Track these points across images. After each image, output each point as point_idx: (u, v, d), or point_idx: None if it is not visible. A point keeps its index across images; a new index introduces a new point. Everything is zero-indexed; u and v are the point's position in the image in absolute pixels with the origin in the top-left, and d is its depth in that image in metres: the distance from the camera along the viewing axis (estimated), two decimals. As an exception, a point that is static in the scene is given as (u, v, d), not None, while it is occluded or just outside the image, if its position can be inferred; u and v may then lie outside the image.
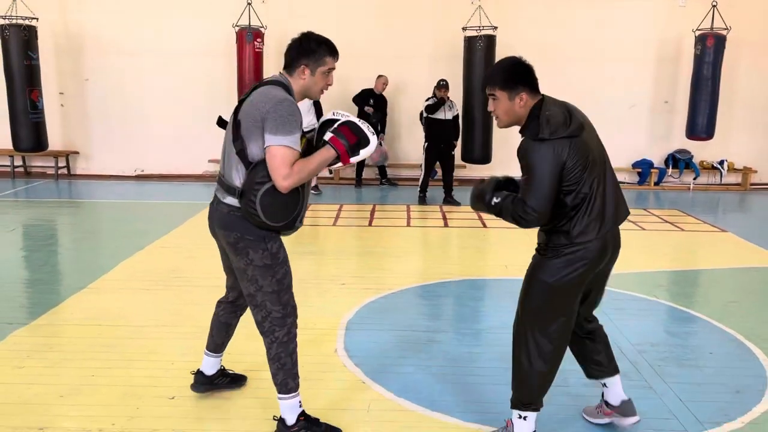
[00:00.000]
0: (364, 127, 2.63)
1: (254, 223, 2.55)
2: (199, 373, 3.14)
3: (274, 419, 2.82)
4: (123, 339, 3.89)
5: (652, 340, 3.98)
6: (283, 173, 2.41)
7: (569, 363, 2.86)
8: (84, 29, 10.15)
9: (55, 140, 10.31)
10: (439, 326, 4.28)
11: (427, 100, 8.43)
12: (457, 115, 8.50)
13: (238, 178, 2.55)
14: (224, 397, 3.16)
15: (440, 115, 8.24)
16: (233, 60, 9.41)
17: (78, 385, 3.27)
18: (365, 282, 5.16)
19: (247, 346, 3.50)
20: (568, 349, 2.74)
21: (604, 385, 2.88)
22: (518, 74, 2.54)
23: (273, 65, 9.93)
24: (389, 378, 3.41)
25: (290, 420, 2.75)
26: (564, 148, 2.42)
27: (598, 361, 2.83)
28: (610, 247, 2.60)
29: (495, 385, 3.32)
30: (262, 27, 9.39)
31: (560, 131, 2.43)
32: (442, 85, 8.26)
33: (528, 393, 2.64)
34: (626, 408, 2.84)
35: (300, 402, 2.77)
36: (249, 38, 9.14)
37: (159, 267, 5.41)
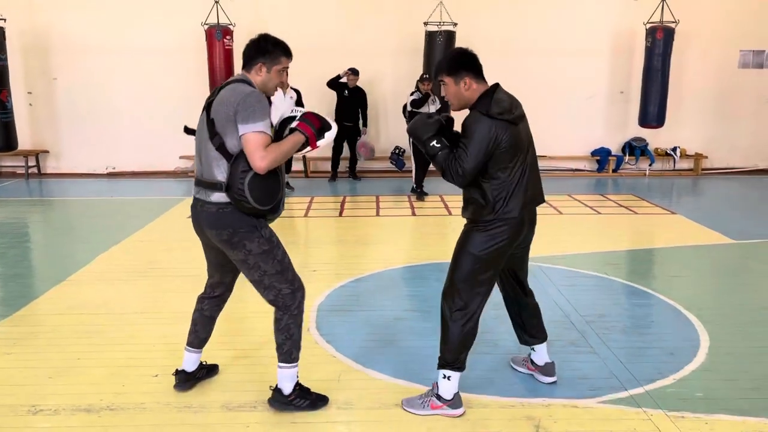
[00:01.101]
0: (324, 115, 2.92)
1: (245, 212, 2.73)
2: (181, 372, 3.23)
3: (270, 389, 3.05)
4: (105, 326, 4.10)
5: (600, 311, 4.33)
6: (259, 155, 2.62)
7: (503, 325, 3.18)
8: (51, 28, 10.18)
9: (24, 140, 10.35)
10: (405, 305, 4.57)
11: (411, 94, 8.47)
12: (441, 109, 8.39)
13: (220, 174, 2.73)
14: (214, 374, 3.38)
15: (424, 109, 8.20)
16: (203, 57, 9.56)
17: (65, 368, 3.48)
18: (336, 268, 5.43)
19: (225, 327, 3.75)
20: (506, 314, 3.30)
21: (533, 349, 3.33)
22: (461, 62, 2.89)
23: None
24: (358, 352, 3.70)
25: (287, 389, 2.99)
26: (502, 130, 2.76)
27: (532, 332, 3.30)
28: (527, 223, 2.98)
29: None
30: (231, 24, 9.55)
31: (505, 115, 2.78)
32: (425, 79, 8.28)
33: (451, 352, 2.95)
34: (548, 369, 3.31)
35: (297, 373, 3.02)
36: (218, 36, 9.30)
37: (136, 259, 5.60)
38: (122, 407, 3.07)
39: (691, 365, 3.53)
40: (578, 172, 10.79)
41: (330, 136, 2.90)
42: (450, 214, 7.52)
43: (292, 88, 8.39)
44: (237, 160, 2.69)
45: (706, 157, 10.80)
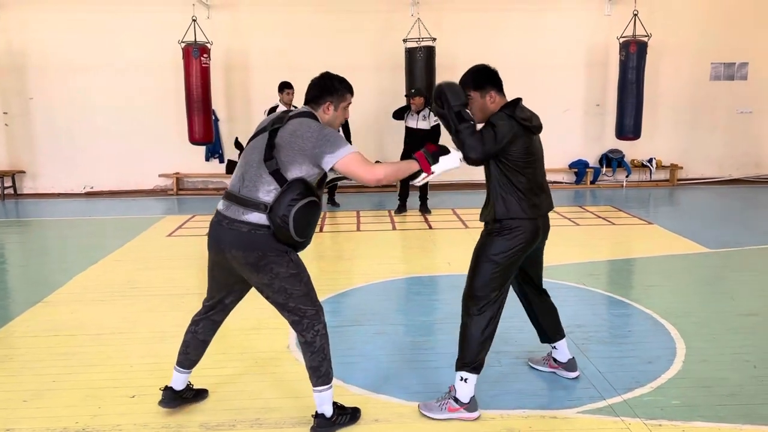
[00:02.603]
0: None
1: (280, 238, 2.73)
2: (168, 389, 3.18)
3: (313, 416, 2.96)
4: (81, 347, 4.04)
5: (579, 322, 4.36)
6: (366, 169, 2.74)
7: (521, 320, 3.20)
8: (27, 47, 10.12)
9: (0, 160, 10.23)
10: (386, 319, 4.57)
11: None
12: (437, 125, 8.08)
13: (266, 195, 2.72)
14: (201, 398, 3.32)
15: (411, 123, 8.22)
16: (180, 75, 9.55)
17: (40, 390, 3.42)
18: (316, 284, 5.39)
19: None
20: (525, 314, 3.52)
21: (554, 347, 3.49)
22: (486, 76, 3.11)
23: (220, 80, 10.14)
24: (339, 367, 3.64)
25: (329, 411, 2.95)
26: (522, 133, 2.99)
27: (550, 331, 3.48)
28: (542, 229, 3.14)
29: (437, 368, 3.64)
30: (208, 42, 9.56)
31: (526, 121, 3.02)
32: (413, 95, 8.27)
33: (469, 354, 3.04)
34: (570, 364, 3.50)
35: None
36: (195, 54, 9.30)
37: (114, 279, 5.54)
38: (98, 429, 3.02)
39: (668, 373, 3.57)
40: (557, 185, 10.90)
41: (447, 161, 2.91)
42: (430, 228, 7.55)
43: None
44: (291, 187, 2.71)
45: (682, 168, 10.98)
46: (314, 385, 2.94)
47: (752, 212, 8.73)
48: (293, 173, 2.73)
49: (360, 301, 5.02)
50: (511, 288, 3.27)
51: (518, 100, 3.11)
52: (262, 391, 3.41)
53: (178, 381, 3.17)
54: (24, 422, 3.10)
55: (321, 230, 7.64)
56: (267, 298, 2.89)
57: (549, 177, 11.57)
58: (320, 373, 2.91)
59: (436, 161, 2.90)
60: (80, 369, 3.70)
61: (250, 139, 2.92)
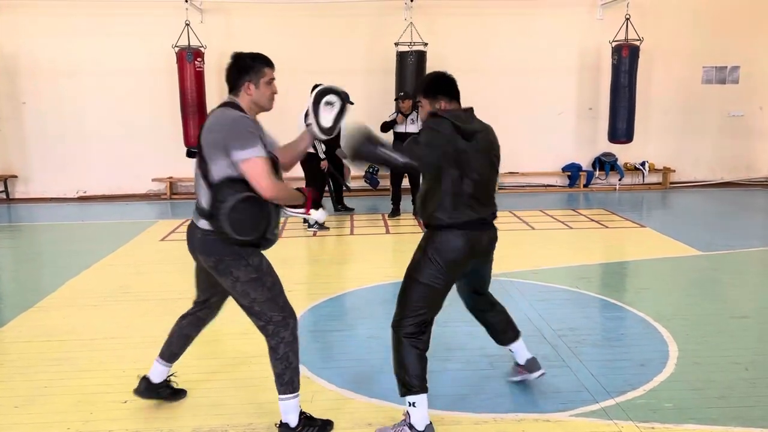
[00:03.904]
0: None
1: (228, 242, 2.69)
2: (145, 379, 3.19)
3: (276, 426, 2.95)
4: (73, 352, 4.02)
5: (572, 325, 4.38)
6: (267, 183, 2.61)
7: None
8: (19, 51, 10.08)
9: (-9, 164, 10.21)
10: (379, 324, 4.55)
11: (390, 115, 8.39)
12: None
13: (205, 200, 2.71)
14: (178, 398, 3.34)
15: (400, 128, 8.16)
16: (174, 79, 9.54)
17: (31, 396, 3.41)
18: (310, 288, 5.42)
19: (198, 350, 3.71)
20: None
21: (511, 350, 3.41)
22: (438, 85, 2.97)
23: (214, 84, 10.10)
24: (332, 372, 3.69)
25: (294, 421, 2.89)
26: (456, 138, 2.81)
27: (503, 330, 3.37)
28: (485, 240, 2.99)
29: (430, 372, 3.61)
30: (202, 47, 9.56)
31: (455, 119, 2.84)
32: (402, 97, 8.23)
33: (408, 377, 2.87)
34: (531, 364, 3.39)
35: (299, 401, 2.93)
36: (189, 58, 9.30)
37: (106, 284, 5.51)
38: (90, 435, 3.01)
39: (660, 376, 3.58)
40: (550, 188, 10.94)
41: (322, 213, 3.00)
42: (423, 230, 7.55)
43: None
44: (217, 188, 2.65)
45: (674, 171, 11.04)
46: (279, 393, 2.89)
47: (744, 215, 8.78)
48: (217, 172, 2.66)
49: (354, 304, 5.02)
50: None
51: (466, 110, 2.98)
52: (254, 395, 3.40)
53: (156, 372, 3.19)
54: (15, 428, 3.08)
55: (315, 234, 7.63)
56: (236, 301, 2.89)
57: (542, 180, 11.59)
58: (283, 380, 2.87)
59: (317, 208, 2.99)
60: (72, 374, 3.69)
61: None
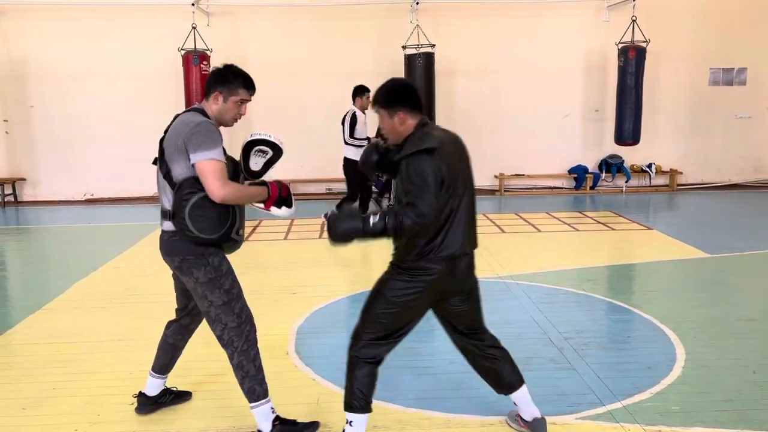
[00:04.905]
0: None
1: (191, 241, 2.69)
2: (141, 395, 3.21)
3: None
4: (80, 354, 4.04)
5: (578, 328, 4.37)
6: (218, 184, 2.60)
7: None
8: (27, 55, 10.15)
9: (0, 167, 10.26)
10: (384, 327, 4.56)
11: (348, 112, 8.08)
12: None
13: (167, 201, 2.74)
14: (182, 400, 3.35)
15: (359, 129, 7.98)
16: (180, 82, 9.58)
17: (39, 398, 3.42)
18: (315, 290, 5.42)
19: (205, 352, 3.72)
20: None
21: (515, 403, 2.97)
22: (397, 95, 2.71)
23: (220, 86, 10.13)
24: (337, 375, 3.66)
25: (266, 428, 2.87)
26: (441, 162, 2.53)
27: (500, 382, 2.93)
28: (458, 274, 2.69)
29: (436, 374, 3.64)
30: (208, 50, 9.59)
31: (424, 144, 2.54)
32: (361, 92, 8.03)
33: (350, 396, 2.75)
34: (537, 425, 2.91)
35: (272, 407, 2.90)
36: (195, 61, 9.34)
37: (113, 286, 5.54)
38: (97, 437, 3.03)
39: (667, 379, 3.57)
40: (556, 190, 10.92)
41: (286, 212, 2.93)
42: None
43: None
44: (180, 187, 2.67)
45: (681, 173, 10.99)
46: (248, 401, 2.89)
47: (751, 217, 8.73)
48: (179, 172, 2.67)
49: (357, 308, 4.99)
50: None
51: (423, 124, 2.68)
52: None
53: (151, 386, 3.21)
54: (23, 430, 3.10)
55: (320, 236, 7.64)
56: (198, 306, 2.88)
57: (548, 182, 11.54)
58: (244, 389, 2.85)
59: (280, 206, 2.90)
60: (79, 376, 3.70)
61: None
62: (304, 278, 5.93)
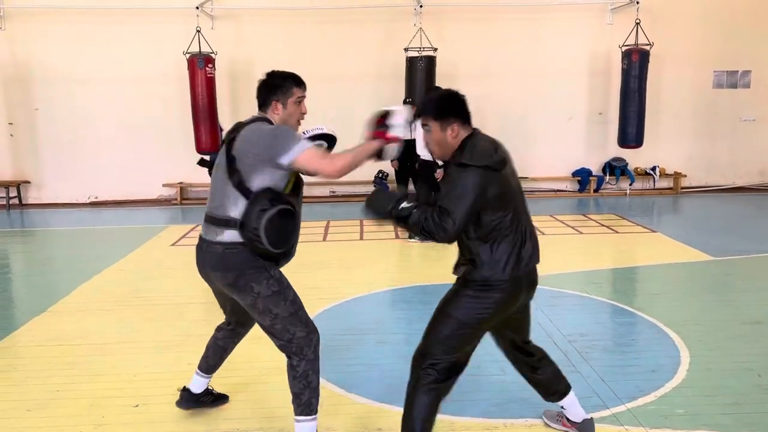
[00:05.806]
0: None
1: (257, 253, 2.63)
2: (185, 390, 3.18)
3: None
4: (85, 356, 4.05)
5: (582, 330, 4.36)
6: (325, 162, 2.59)
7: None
8: (32, 58, 10.20)
9: (5, 170, 10.34)
10: (389, 329, 4.57)
11: None
12: None
13: (235, 211, 2.62)
14: (220, 403, 3.35)
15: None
16: (185, 85, 9.61)
17: (44, 400, 3.43)
18: (320, 293, 5.42)
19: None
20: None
21: (562, 407, 3.00)
22: (451, 106, 2.60)
23: (225, 90, 10.19)
24: (341, 377, 3.69)
25: None
26: (486, 178, 2.46)
27: (548, 390, 2.96)
28: (525, 287, 2.67)
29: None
30: (213, 53, 9.63)
31: (484, 160, 2.48)
32: (409, 103, 8.22)
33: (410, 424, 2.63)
34: (586, 426, 2.97)
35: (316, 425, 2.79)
36: (200, 64, 9.37)
37: (118, 289, 5.55)
38: (102, 439, 3.04)
39: (672, 382, 3.56)
40: (560, 193, 10.91)
41: (399, 117, 2.71)
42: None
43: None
44: (257, 198, 2.60)
45: (685, 176, 10.97)
46: (295, 414, 2.77)
47: (756, 220, 8.71)
48: (257, 183, 2.62)
49: (362, 310, 5.02)
50: None
51: (471, 136, 2.61)
52: (265, 400, 3.41)
53: (196, 384, 3.20)
54: (28, 431, 3.11)
55: (324, 239, 7.65)
56: (258, 322, 2.81)
57: (552, 185, 11.49)
58: (301, 401, 2.75)
59: (389, 126, 2.70)
60: (84, 378, 3.71)
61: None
62: (308, 281, 5.92)
